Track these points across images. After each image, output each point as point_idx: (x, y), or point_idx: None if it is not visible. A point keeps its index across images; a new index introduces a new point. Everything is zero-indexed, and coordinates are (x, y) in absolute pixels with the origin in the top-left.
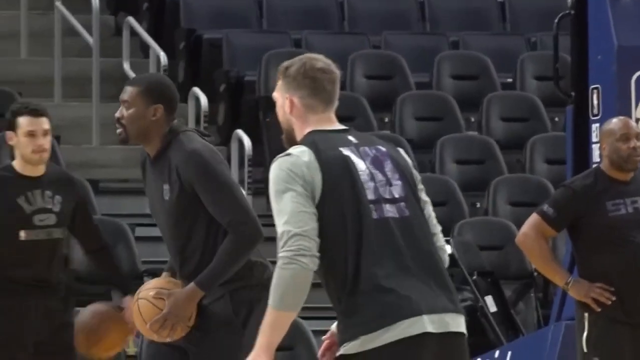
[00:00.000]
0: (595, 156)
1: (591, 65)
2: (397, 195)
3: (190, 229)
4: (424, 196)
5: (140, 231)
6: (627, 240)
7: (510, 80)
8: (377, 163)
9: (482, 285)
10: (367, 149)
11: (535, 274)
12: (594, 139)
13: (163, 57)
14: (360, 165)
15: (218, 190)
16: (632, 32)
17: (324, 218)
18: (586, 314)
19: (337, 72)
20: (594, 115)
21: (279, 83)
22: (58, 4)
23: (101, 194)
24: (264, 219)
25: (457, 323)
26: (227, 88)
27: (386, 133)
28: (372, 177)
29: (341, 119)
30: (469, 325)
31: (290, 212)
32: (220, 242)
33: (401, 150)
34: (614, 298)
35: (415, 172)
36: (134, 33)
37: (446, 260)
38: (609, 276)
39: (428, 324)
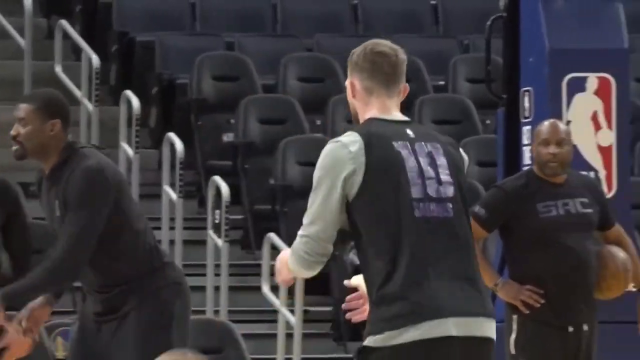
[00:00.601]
0: (526, 158)
1: (523, 68)
2: (444, 195)
3: None
4: None
5: None
6: (558, 242)
7: (442, 82)
8: (431, 160)
9: None
10: (423, 144)
11: None
12: (525, 141)
13: (95, 60)
14: (411, 161)
15: (74, 212)
16: (564, 35)
17: (360, 212)
18: (515, 316)
19: (402, 57)
20: (525, 118)
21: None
22: None
23: (32, 197)
24: (191, 222)
25: (485, 328)
26: (159, 91)
27: (318, 136)
28: (422, 174)
29: (273, 122)
30: None
31: (315, 214)
32: (114, 256)
33: (460, 150)
34: (542, 301)
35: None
36: (66, 36)
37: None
38: (539, 278)
39: (452, 327)
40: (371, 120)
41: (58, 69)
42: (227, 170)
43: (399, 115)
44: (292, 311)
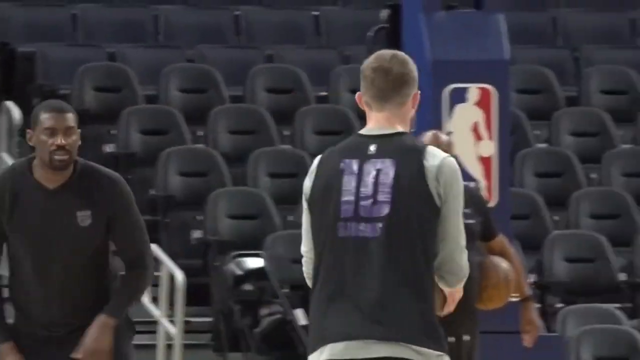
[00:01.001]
0: None
1: None
2: (376, 215)
3: None
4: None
5: None
6: None
7: (324, 93)
8: (375, 179)
9: (294, 298)
10: (377, 161)
11: None
12: None
13: None
14: (350, 180)
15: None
16: (445, 46)
17: (310, 228)
18: None
19: (398, 71)
20: None
21: None
22: None
23: None
24: None
25: (373, 350)
26: (40, 102)
27: (200, 147)
28: (357, 194)
29: (154, 132)
30: (278, 339)
31: (303, 230)
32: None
33: (437, 168)
34: None
35: (436, 192)
36: None
37: (451, 282)
38: None
39: (333, 350)
40: (353, 135)
41: None
42: None
43: (378, 130)
44: (172, 322)
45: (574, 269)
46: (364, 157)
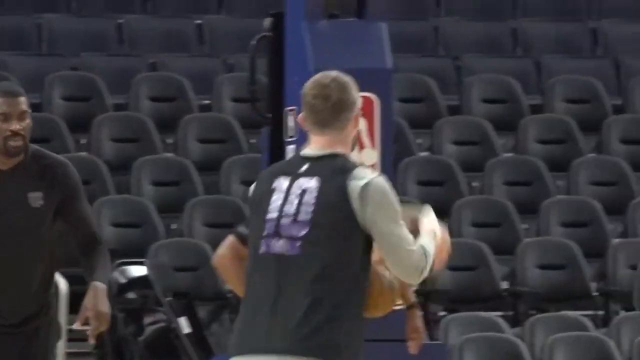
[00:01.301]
0: None
1: (288, 87)
2: (296, 234)
3: None
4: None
5: None
6: None
7: (207, 102)
8: (300, 198)
9: (177, 306)
10: (304, 180)
11: (230, 295)
12: None
13: None
14: (278, 198)
15: (83, 201)
16: (327, 55)
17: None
18: None
19: (335, 96)
20: (290, 137)
21: None
22: None
23: None
24: None
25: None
26: None
27: (83, 155)
28: (281, 212)
29: (36, 141)
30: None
31: None
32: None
33: (362, 188)
34: None
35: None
36: None
37: (415, 281)
38: None
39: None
40: (294, 154)
41: None
42: None
43: (316, 151)
44: None
45: (458, 277)
46: (294, 177)
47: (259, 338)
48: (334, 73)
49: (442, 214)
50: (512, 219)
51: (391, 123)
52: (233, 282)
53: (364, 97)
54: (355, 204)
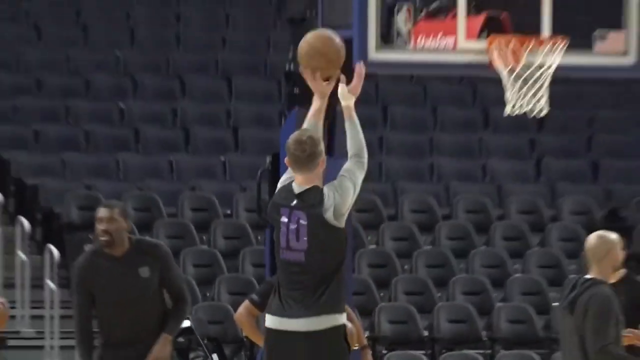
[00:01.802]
0: None
1: None
2: (299, 248)
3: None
4: (342, 178)
5: None
6: None
7: (229, 211)
8: (297, 224)
9: (210, 347)
10: (297, 212)
11: (245, 339)
12: None
13: None
14: (285, 223)
15: (178, 274)
16: None
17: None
18: None
19: (309, 149)
20: None
21: None
22: None
23: None
24: None
25: (302, 324)
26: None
27: None
28: (287, 232)
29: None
30: None
31: None
32: None
33: (331, 200)
34: None
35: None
36: None
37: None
38: None
39: (278, 324)
40: (289, 183)
41: None
42: None
43: (299, 188)
44: None
45: (395, 328)
46: (290, 209)
47: (289, 312)
48: (308, 132)
49: (383, 286)
50: (431, 290)
51: (350, 225)
52: (248, 331)
53: None
54: (329, 216)
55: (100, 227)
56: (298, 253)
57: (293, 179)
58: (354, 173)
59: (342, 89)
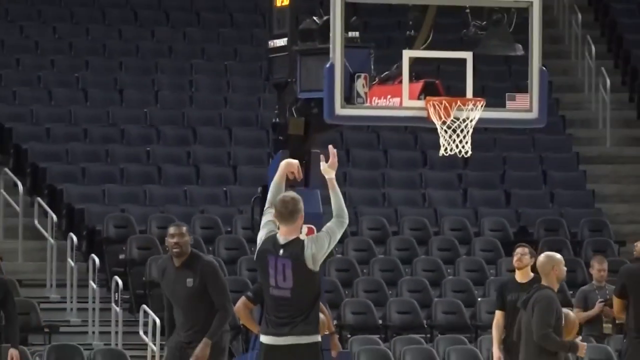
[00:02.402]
0: None
1: None
2: (285, 286)
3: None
4: (322, 233)
5: None
6: None
7: (229, 228)
8: (283, 268)
9: None
10: (282, 259)
11: (242, 326)
12: None
13: None
14: (272, 267)
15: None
16: None
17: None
18: None
19: (291, 207)
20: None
21: None
22: None
23: None
24: None
25: (288, 340)
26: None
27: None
28: (275, 271)
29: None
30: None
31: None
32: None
33: (309, 249)
34: None
35: (311, 266)
36: None
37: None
38: None
39: (273, 341)
40: (276, 233)
41: None
42: None
43: (285, 236)
44: None
45: (357, 318)
46: (277, 257)
47: (279, 333)
48: (291, 194)
49: (347, 285)
50: (384, 288)
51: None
52: (244, 320)
53: (307, 227)
54: (309, 261)
55: (172, 240)
56: (285, 290)
57: (275, 232)
58: (334, 232)
59: (323, 166)
